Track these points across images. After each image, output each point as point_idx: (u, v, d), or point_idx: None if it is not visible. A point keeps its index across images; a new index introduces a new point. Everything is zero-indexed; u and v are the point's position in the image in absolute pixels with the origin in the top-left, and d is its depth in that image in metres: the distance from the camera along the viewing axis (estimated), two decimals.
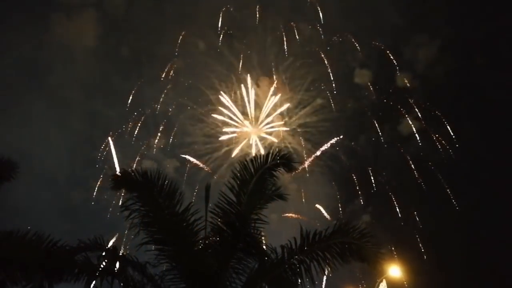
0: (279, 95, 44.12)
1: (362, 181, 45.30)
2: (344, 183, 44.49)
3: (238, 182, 10.75)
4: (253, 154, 42.72)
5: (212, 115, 44.33)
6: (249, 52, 44.53)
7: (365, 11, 43.73)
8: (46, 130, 40.41)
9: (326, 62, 45.17)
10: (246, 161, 10.87)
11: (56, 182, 40.96)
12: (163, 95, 45.39)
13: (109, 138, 44.37)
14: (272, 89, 43.89)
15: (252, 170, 10.75)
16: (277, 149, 11.41)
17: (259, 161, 10.83)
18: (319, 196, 43.15)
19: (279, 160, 10.79)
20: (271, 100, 44.03)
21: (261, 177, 10.69)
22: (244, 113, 44.74)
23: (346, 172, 45.21)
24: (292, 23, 45.72)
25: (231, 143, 44.64)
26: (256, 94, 44.87)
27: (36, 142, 38.90)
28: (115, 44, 43.68)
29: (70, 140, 41.85)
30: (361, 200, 44.86)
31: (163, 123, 45.59)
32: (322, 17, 44.86)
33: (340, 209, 44.82)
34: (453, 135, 43.00)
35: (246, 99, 44.18)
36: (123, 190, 10.54)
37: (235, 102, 44.39)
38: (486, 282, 36.07)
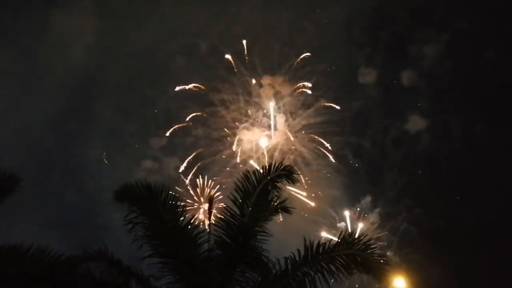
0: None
1: (369, 181, 44.81)
2: (350, 183, 43.94)
3: (241, 194, 10.75)
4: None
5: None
6: (249, 51, 43.96)
7: (369, 7, 43.38)
8: (42, 128, 40.34)
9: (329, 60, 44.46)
10: (248, 172, 10.88)
11: (50, 181, 40.47)
12: (163, 95, 44.91)
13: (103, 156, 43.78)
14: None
15: (255, 182, 10.75)
16: (280, 160, 11.41)
17: (261, 172, 10.85)
18: (324, 195, 42.72)
19: (281, 172, 10.79)
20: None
21: (264, 189, 10.68)
22: (247, 116, 44.45)
23: (353, 172, 44.56)
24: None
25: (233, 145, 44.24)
26: (258, 96, 44.57)
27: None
28: (114, 41, 43.08)
29: (66, 140, 41.49)
30: (369, 200, 44.22)
31: (164, 122, 45.00)
32: (326, 14, 44.28)
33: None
34: (462, 132, 42.34)
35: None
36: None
37: (236, 104, 44.14)
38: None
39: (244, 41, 43.83)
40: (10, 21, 39.53)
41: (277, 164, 10.92)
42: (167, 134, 43.47)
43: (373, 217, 42.62)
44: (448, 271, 36.12)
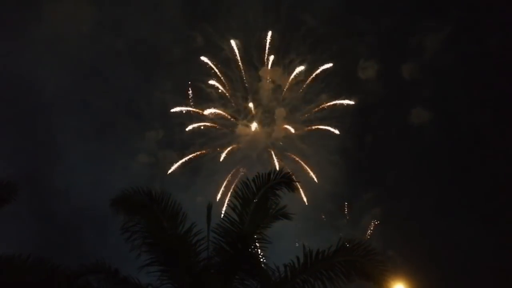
0: None
1: (372, 176, 44.42)
2: (352, 178, 43.51)
3: (240, 201, 10.72)
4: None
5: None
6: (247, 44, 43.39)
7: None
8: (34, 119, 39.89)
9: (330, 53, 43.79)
10: (247, 179, 10.83)
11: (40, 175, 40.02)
12: (159, 87, 44.08)
13: None
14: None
15: (254, 189, 10.72)
16: (279, 168, 11.34)
17: (261, 179, 10.79)
18: (325, 190, 42.48)
19: (281, 179, 10.73)
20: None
21: (263, 196, 10.66)
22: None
23: (355, 166, 44.09)
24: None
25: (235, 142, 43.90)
26: (256, 92, 44.12)
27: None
28: (110, 32, 42.29)
29: (59, 133, 40.87)
30: (371, 196, 43.98)
31: (158, 116, 44.37)
32: (324, 7, 43.52)
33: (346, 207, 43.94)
34: (466, 124, 41.80)
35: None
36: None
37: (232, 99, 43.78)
38: None
39: (233, 42, 43.22)
40: (4, 11, 38.87)
41: (276, 172, 10.87)
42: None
43: (375, 213, 42.41)
44: (450, 271, 36.12)
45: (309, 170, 42.07)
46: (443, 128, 42.91)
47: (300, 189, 39.17)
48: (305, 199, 40.82)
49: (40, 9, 39.67)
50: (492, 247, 36.50)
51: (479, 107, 40.84)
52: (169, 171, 42.30)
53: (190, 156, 42.95)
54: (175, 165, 42.43)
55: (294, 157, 42.86)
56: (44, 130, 40.55)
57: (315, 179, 41.95)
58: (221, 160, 42.33)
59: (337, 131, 42.71)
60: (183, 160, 42.58)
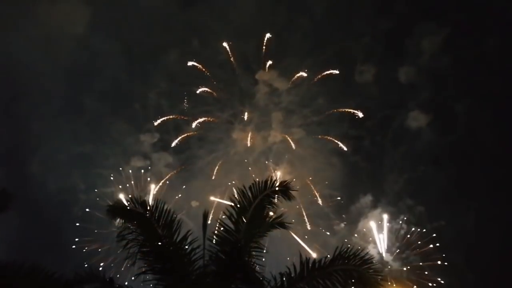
0: None
1: (370, 180, 44.25)
2: (350, 182, 43.29)
3: (237, 209, 10.63)
4: None
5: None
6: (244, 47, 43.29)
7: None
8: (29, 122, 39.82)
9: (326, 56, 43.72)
10: (244, 188, 10.74)
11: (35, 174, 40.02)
12: (154, 89, 44.06)
13: None
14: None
15: (251, 197, 10.63)
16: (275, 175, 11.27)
17: (257, 188, 10.71)
18: (323, 195, 42.31)
19: (277, 187, 10.65)
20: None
21: (260, 204, 10.57)
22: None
23: (353, 171, 43.90)
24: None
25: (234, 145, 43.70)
26: (251, 96, 43.94)
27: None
28: (105, 34, 42.13)
29: (53, 135, 40.69)
30: (369, 200, 43.77)
31: (154, 119, 44.30)
32: (321, 10, 43.37)
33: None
34: (463, 128, 41.70)
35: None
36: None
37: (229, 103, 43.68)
38: None
39: (230, 45, 43.00)
40: None
41: (273, 180, 10.79)
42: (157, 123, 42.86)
43: (374, 217, 42.18)
44: (451, 273, 36.13)
45: (309, 182, 41.88)
46: (441, 131, 42.99)
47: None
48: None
49: (36, 9, 39.50)
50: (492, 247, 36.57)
51: (477, 110, 40.97)
52: (153, 193, 42.03)
53: (175, 171, 42.91)
54: (160, 184, 42.39)
55: (291, 164, 42.82)
56: (38, 131, 40.38)
57: (314, 190, 41.77)
58: (213, 178, 42.20)
59: (345, 148, 42.64)
60: (166, 178, 42.58)
